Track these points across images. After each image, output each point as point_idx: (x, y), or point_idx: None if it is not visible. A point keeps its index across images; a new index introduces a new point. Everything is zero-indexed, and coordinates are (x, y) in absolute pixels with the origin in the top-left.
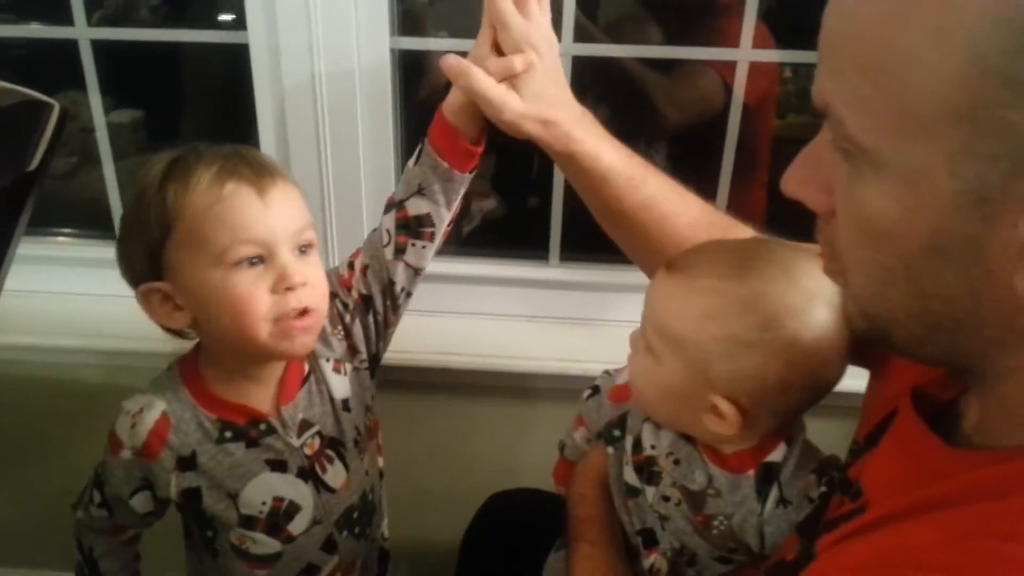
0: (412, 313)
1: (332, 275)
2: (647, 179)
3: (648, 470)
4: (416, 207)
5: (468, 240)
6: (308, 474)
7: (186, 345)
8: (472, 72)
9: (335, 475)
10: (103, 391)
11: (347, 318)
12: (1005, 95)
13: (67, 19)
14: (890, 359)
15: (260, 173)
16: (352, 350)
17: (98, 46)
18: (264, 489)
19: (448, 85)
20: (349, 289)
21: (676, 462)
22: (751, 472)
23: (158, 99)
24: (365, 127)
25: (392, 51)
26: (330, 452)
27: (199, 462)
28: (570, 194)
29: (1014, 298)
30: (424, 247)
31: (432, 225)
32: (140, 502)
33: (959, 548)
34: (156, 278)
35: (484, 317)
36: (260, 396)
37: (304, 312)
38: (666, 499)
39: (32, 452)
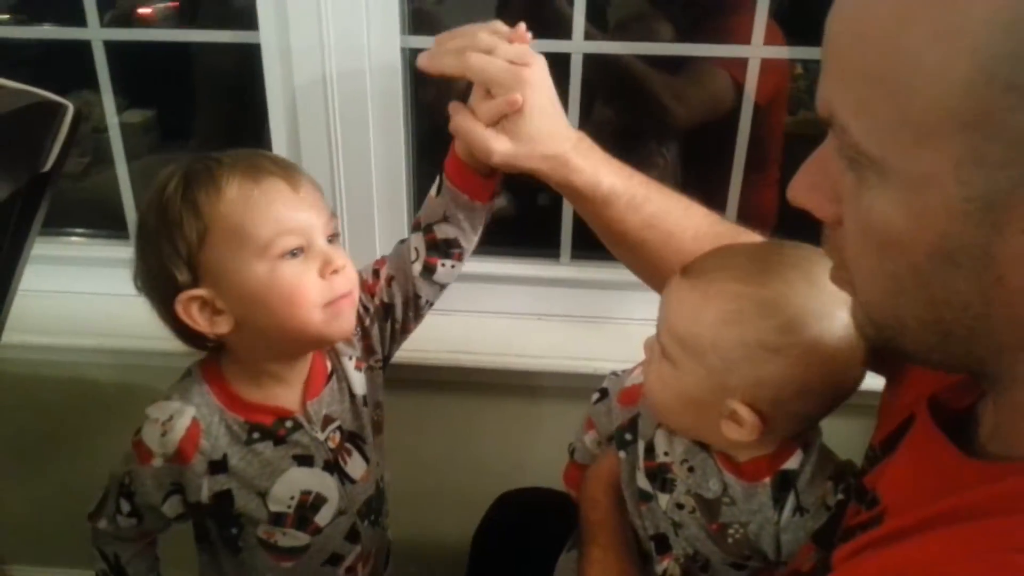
0: None
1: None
2: (649, 198)
3: (662, 477)
4: (444, 232)
5: (479, 238)
6: (333, 467)
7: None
8: (460, 115)
9: (355, 467)
10: (116, 390)
11: (367, 321)
12: (1011, 100)
13: (80, 20)
14: (906, 364)
15: (286, 167)
16: (368, 350)
17: (110, 47)
18: (292, 484)
19: (464, 85)
20: (372, 295)
21: (691, 470)
22: (767, 480)
23: (170, 99)
24: (376, 126)
25: (403, 50)
26: (350, 445)
27: (230, 464)
28: None
29: None
30: (453, 266)
31: (460, 247)
32: (171, 507)
33: (980, 562)
34: (194, 284)
35: (495, 315)
36: (287, 394)
37: (347, 294)
38: (680, 507)
39: (45, 451)
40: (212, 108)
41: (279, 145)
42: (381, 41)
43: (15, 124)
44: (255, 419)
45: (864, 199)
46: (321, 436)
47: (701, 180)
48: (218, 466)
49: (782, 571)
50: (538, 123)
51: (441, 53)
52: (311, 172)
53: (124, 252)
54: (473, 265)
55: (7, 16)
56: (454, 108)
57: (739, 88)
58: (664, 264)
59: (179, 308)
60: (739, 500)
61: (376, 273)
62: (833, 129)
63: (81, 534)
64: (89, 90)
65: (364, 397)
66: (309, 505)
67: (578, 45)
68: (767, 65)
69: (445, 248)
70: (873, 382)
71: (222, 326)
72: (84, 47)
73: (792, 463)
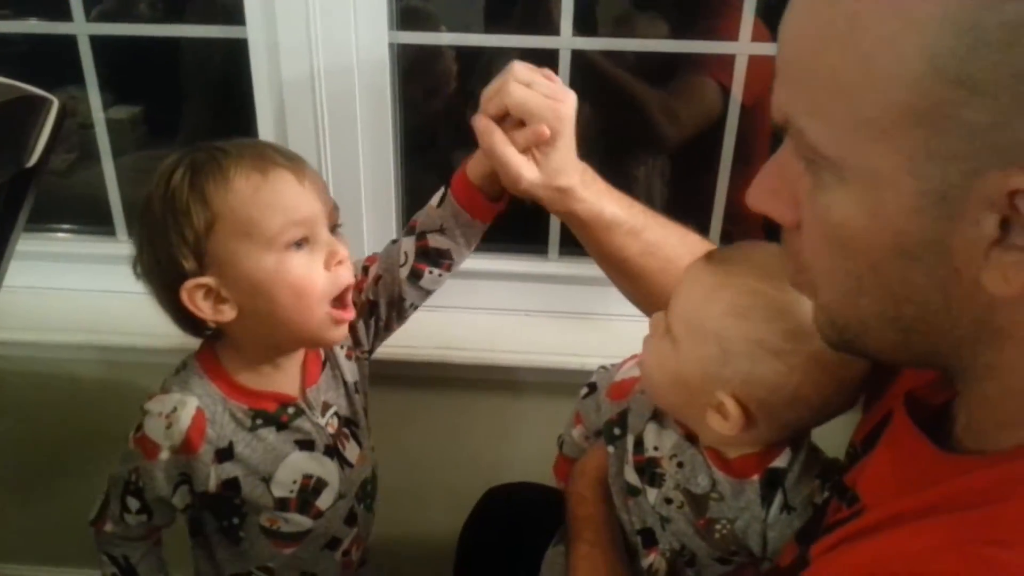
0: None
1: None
2: (648, 226)
3: (651, 471)
4: (437, 241)
5: None
6: (333, 451)
7: (190, 341)
8: (496, 137)
9: (352, 451)
10: (103, 387)
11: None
12: (960, 95)
13: (66, 15)
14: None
15: (291, 158)
16: (355, 342)
17: (97, 42)
18: (294, 469)
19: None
20: (359, 291)
21: (680, 465)
22: (755, 477)
23: (157, 95)
24: (364, 121)
25: (391, 45)
26: (346, 431)
27: (236, 451)
28: None
29: (983, 295)
30: (440, 275)
31: (451, 259)
32: (179, 498)
33: (955, 555)
34: (200, 273)
35: (482, 311)
36: (286, 381)
37: (346, 291)
38: (668, 501)
39: (31, 448)
40: (199, 104)
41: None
42: (369, 37)
43: None
44: (258, 405)
45: (822, 200)
46: (322, 421)
47: (689, 180)
48: (224, 454)
49: (766, 567)
50: (563, 156)
51: (485, 101)
52: None
53: (110, 248)
54: None
55: None
56: (487, 129)
57: (727, 95)
58: (661, 291)
59: (184, 296)
60: (727, 496)
61: (365, 270)
62: (789, 133)
63: (65, 531)
64: (75, 86)
65: (355, 384)
66: (311, 489)
67: (566, 41)
68: (754, 66)
69: (436, 257)
70: None
71: (226, 314)
72: (70, 42)
73: (780, 461)
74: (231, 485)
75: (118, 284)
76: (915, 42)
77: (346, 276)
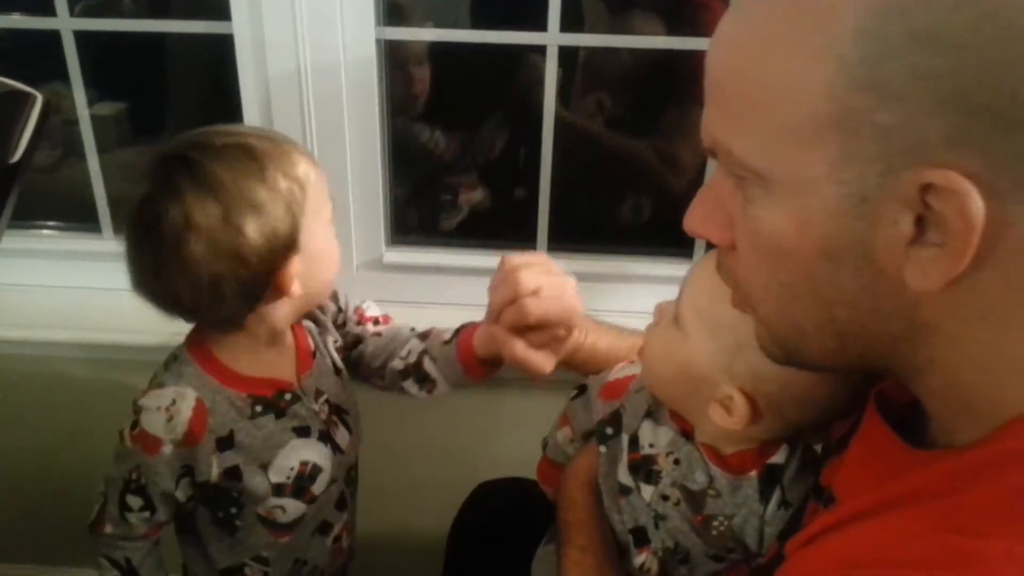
0: (400, 304)
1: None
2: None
3: (646, 469)
4: (430, 368)
5: (456, 231)
6: (326, 437)
7: (175, 338)
8: (517, 346)
9: (342, 437)
10: (88, 384)
11: (339, 319)
12: (871, 99)
13: (50, 10)
14: None
15: (306, 148)
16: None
17: (81, 37)
18: (292, 455)
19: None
20: (360, 322)
21: (676, 461)
22: (753, 473)
23: (142, 91)
24: (351, 117)
25: (378, 41)
26: (335, 417)
27: (236, 439)
28: (557, 184)
29: (907, 292)
30: (419, 393)
31: (434, 388)
32: (182, 491)
33: (923, 544)
34: (294, 251)
35: (471, 308)
36: (282, 368)
37: None
38: (665, 498)
39: (17, 445)
40: (185, 100)
41: None
42: (356, 32)
43: None
44: (256, 392)
45: (752, 214)
46: (316, 407)
47: (676, 182)
48: (225, 443)
49: (746, 566)
50: (576, 334)
51: (496, 314)
52: None
53: (95, 245)
54: (449, 257)
55: None
56: (507, 340)
57: None
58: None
59: (288, 271)
60: (725, 492)
61: (376, 321)
62: (718, 155)
63: (55, 530)
64: (60, 82)
65: (343, 372)
66: (307, 475)
67: (554, 37)
68: None
69: (422, 377)
70: None
71: (297, 288)
72: (54, 37)
73: (778, 457)
74: (232, 473)
75: (104, 281)
76: (828, 54)
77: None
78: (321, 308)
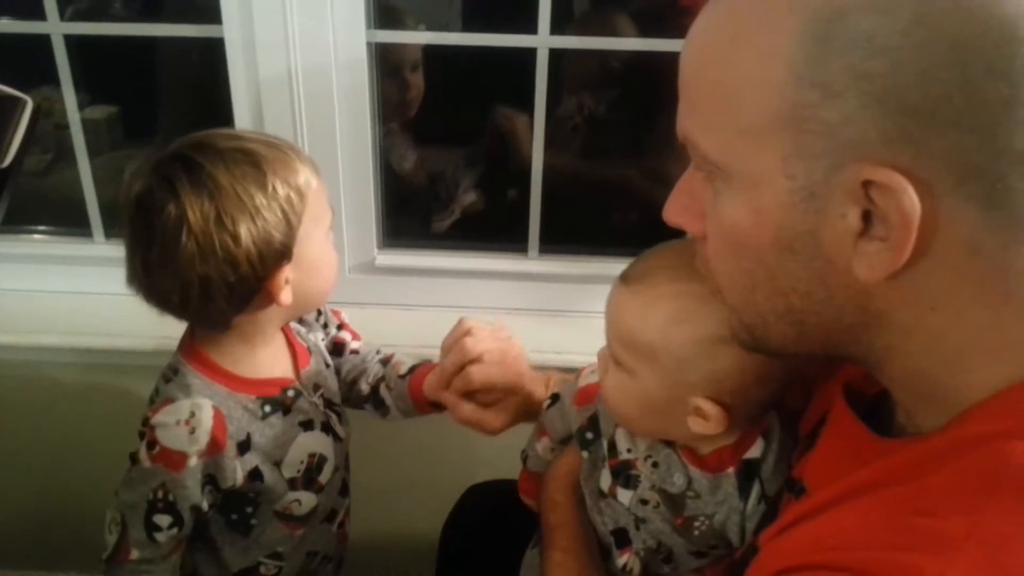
0: (391, 307)
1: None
2: None
3: (625, 474)
4: (385, 396)
5: (448, 233)
6: (327, 427)
7: (166, 342)
8: (465, 409)
9: (337, 426)
10: (79, 389)
11: (320, 320)
12: (816, 97)
13: (40, 14)
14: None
15: (310, 157)
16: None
17: (71, 41)
18: (301, 449)
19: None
20: (340, 327)
21: (655, 465)
22: (731, 470)
23: (133, 95)
24: (342, 120)
25: (369, 44)
26: (329, 411)
27: (253, 441)
28: (549, 186)
29: (858, 284)
30: (374, 412)
31: (388, 414)
32: (206, 500)
33: (885, 527)
34: (288, 259)
35: (463, 310)
36: (281, 366)
37: None
38: (644, 503)
39: (8, 449)
40: (176, 104)
41: None
42: (347, 35)
43: None
44: (263, 393)
45: (718, 206)
46: (316, 400)
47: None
48: (244, 446)
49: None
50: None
51: (446, 379)
52: None
53: (87, 250)
54: (441, 260)
55: None
56: (455, 404)
57: None
58: None
59: (279, 279)
60: (704, 493)
61: (351, 338)
62: (690, 149)
63: (47, 533)
64: (51, 86)
65: (332, 366)
66: (315, 466)
67: (544, 40)
68: None
69: (378, 402)
70: None
71: (289, 295)
72: (44, 42)
73: (755, 452)
74: (255, 474)
75: (95, 285)
76: (778, 54)
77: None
78: None
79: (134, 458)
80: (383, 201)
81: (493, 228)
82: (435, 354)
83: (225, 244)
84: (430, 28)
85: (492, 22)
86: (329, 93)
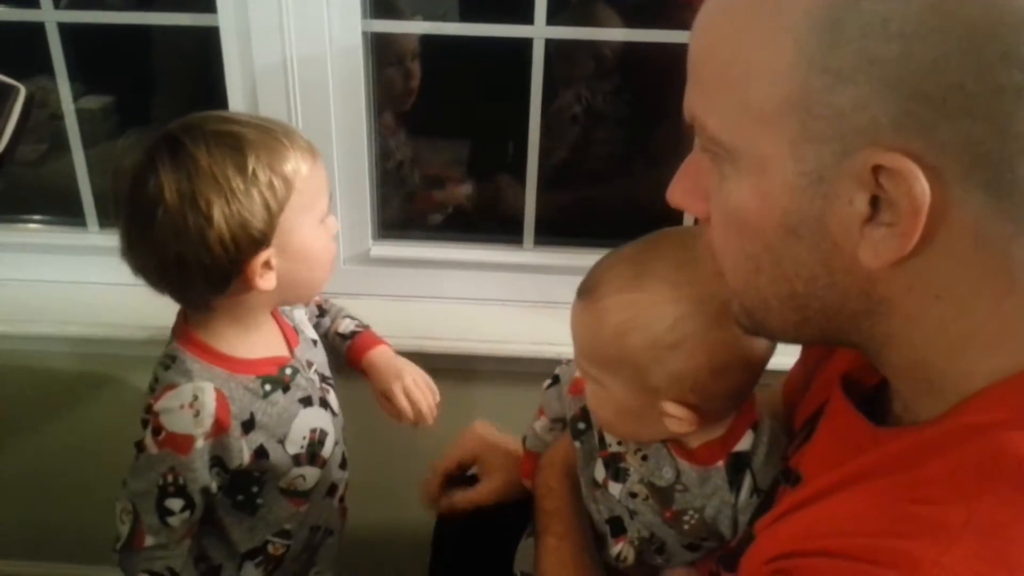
0: (387, 298)
1: None
2: None
3: (615, 466)
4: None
5: (443, 225)
6: (324, 403)
7: (161, 332)
8: (456, 497)
9: (333, 400)
10: (75, 378)
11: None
12: (827, 82)
13: (34, 2)
14: (821, 348)
15: (309, 142)
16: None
17: (66, 30)
18: (303, 425)
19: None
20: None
21: (644, 458)
22: (720, 463)
23: (129, 85)
24: (337, 109)
25: (364, 34)
26: (324, 385)
27: (257, 420)
28: (544, 178)
29: (863, 270)
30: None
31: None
32: (216, 480)
33: (882, 515)
34: (267, 245)
35: (459, 301)
36: (274, 344)
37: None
38: (633, 495)
39: (3, 439)
40: (172, 94)
41: None
42: (342, 24)
43: None
44: (262, 372)
45: (724, 188)
46: (311, 376)
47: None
48: (248, 425)
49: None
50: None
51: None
52: None
53: (82, 239)
54: (436, 251)
55: None
56: (444, 503)
57: None
58: None
59: (256, 265)
60: (692, 486)
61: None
62: (697, 130)
63: (43, 524)
64: (46, 76)
65: (319, 343)
66: (317, 441)
67: (540, 30)
68: None
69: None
70: None
71: (270, 282)
72: (39, 31)
73: (744, 444)
74: (261, 452)
75: (90, 275)
76: (789, 37)
77: (336, 244)
78: None
79: (140, 446)
80: (377, 190)
81: (488, 220)
82: (429, 345)
83: (198, 224)
84: (427, 19)
85: (488, 13)
86: (324, 83)
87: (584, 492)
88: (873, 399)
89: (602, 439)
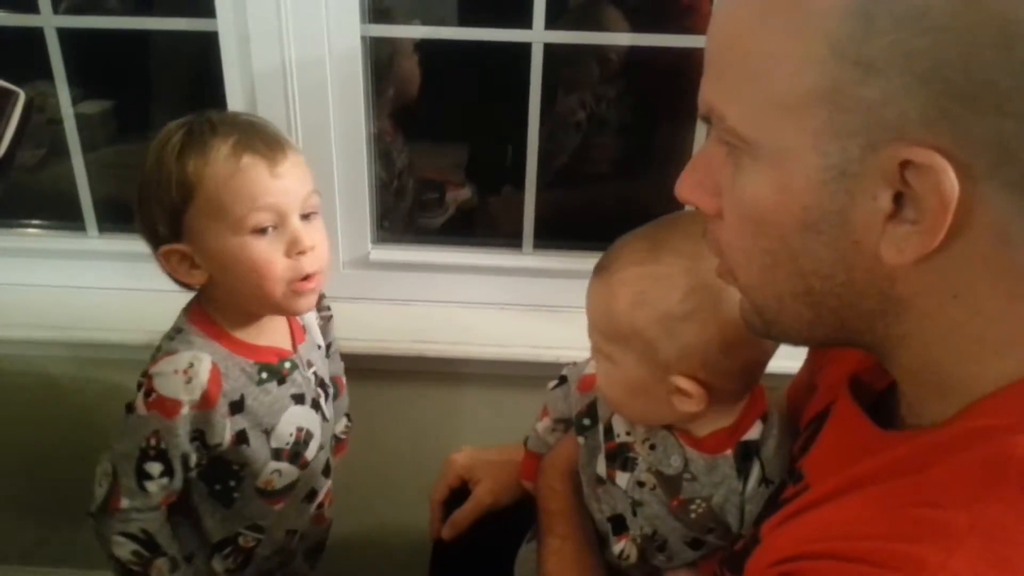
0: (387, 302)
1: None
2: None
3: (623, 456)
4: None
5: (442, 229)
6: (316, 405)
7: (159, 335)
8: (461, 515)
9: (326, 406)
10: (74, 383)
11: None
12: (857, 74)
13: (33, 6)
14: (828, 351)
15: (272, 147)
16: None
17: (65, 35)
18: (291, 421)
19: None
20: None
21: (652, 447)
22: (728, 452)
23: (127, 89)
24: (336, 114)
25: (363, 39)
26: (320, 389)
27: (246, 404)
28: (544, 182)
29: (882, 266)
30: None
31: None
32: (196, 455)
33: (887, 518)
34: (176, 239)
35: (459, 305)
36: (279, 336)
37: (310, 276)
38: (641, 484)
39: (2, 445)
40: (171, 98)
41: None
42: (340, 29)
43: None
44: (261, 359)
45: (739, 182)
46: (309, 376)
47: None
48: (236, 407)
49: (720, 554)
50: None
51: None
52: None
53: (81, 244)
54: (436, 255)
55: None
56: (447, 529)
57: None
58: None
59: (160, 258)
60: (700, 474)
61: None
62: (713, 121)
63: (39, 529)
64: (45, 81)
65: (324, 349)
66: (302, 441)
67: (539, 35)
68: None
69: None
70: None
71: (197, 279)
72: (38, 36)
73: (752, 434)
74: (241, 436)
75: (89, 280)
76: (817, 29)
77: (308, 265)
78: None
79: (130, 407)
80: (376, 195)
81: (487, 223)
82: (428, 349)
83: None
84: (425, 24)
85: (487, 18)
86: (323, 87)
87: (585, 491)
88: (879, 402)
89: (608, 431)
